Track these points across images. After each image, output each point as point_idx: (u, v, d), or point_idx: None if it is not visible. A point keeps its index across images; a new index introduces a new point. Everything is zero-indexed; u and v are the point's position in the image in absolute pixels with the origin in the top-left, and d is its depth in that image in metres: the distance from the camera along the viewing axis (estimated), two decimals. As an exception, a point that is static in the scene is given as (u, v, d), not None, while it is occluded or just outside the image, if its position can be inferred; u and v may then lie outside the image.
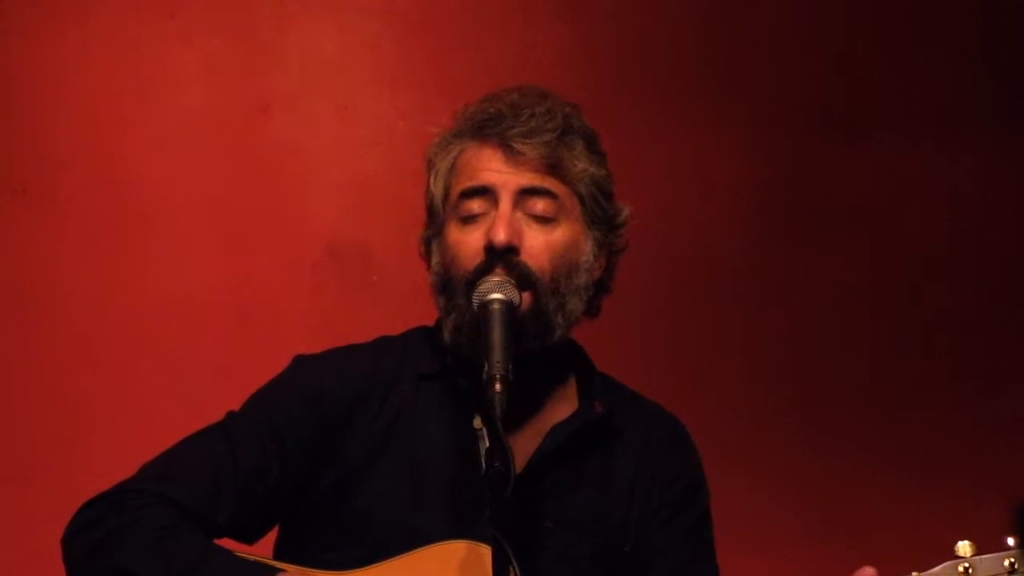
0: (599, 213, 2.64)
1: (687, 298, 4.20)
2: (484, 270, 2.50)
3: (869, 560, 2.46)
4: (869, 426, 4.21)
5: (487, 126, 2.58)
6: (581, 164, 2.60)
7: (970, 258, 4.30)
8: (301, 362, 2.68)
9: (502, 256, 2.50)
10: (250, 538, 2.60)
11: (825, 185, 4.28)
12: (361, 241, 4.03)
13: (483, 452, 2.53)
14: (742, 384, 4.19)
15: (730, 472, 3.99)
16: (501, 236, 2.50)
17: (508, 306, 2.44)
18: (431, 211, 2.65)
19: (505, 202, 2.54)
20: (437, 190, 2.62)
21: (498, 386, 2.32)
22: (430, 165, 2.65)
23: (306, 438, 2.57)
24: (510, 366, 2.35)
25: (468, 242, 2.55)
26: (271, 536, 2.67)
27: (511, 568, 2.18)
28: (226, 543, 2.55)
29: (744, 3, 4.30)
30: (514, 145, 2.55)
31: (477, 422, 2.57)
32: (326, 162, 4.07)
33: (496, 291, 2.44)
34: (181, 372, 3.91)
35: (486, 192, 2.56)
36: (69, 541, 2.51)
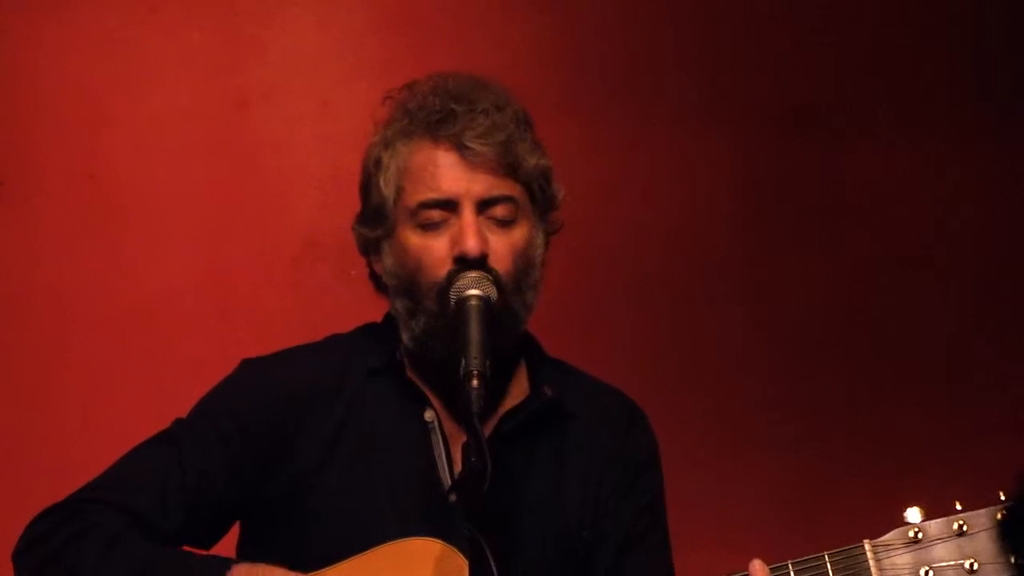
0: (544, 203, 2.65)
1: (671, 296, 4.20)
2: (456, 278, 2.50)
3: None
4: (857, 424, 4.22)
5: (441, 126, 2.55)
6: (532, 159, 2.59)
7: (959, 257, 4.31)
8: (249, 365, 2.68)
9: (473, 266, 2.51)
10: (203, 544, 2.61)
11: (810, 185, 4.28)
12: (340, 236, 3.99)
13: (435, 444, 2.56)
14: (726, 381, 4.20)
15: (717, 465, 4.02)
16: (474, 248, 2.51)
17: (486, 302, 2.45)
18: (379, 212, 2.61)
19: (469, 211, 2.53)
20: (388, 191, 2.59)
21: (475, 382, 2.33)
22: (376, 164, 2.62)
23: (255, 442, 2.57)
24: (487, 361, 2.36)
25: (433, 249, 2.54)
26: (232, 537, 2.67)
27: (488, 561, 2.18)
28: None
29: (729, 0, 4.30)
30: (472, 146, 2.53)
31: (428, 415, 2.60)
32: (306, 157, 4.06)
33: (474, 287, 2.46)
34: (160, 367, 3.90)
35: (448, 203, 2.54)
36: (20, 556, 2.53)
